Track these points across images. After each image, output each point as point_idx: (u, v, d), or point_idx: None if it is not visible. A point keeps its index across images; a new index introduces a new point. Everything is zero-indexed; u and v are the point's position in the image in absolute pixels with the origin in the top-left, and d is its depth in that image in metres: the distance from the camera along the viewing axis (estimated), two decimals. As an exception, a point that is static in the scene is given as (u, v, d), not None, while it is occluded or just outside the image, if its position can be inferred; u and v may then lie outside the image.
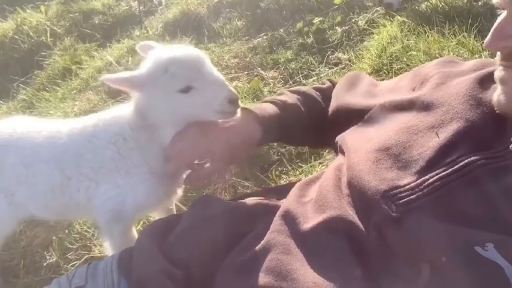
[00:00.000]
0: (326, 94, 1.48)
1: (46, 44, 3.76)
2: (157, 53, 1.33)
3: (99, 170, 1.43)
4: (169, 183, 1.48)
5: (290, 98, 1.46)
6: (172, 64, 1.27)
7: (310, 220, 1.04)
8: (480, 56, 2.03)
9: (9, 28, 3.96)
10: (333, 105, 1.39)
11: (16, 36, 3.84)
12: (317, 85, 1.57)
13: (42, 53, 3.62)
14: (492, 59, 1.13)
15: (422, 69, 1.26)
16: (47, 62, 3.51)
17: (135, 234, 1.57)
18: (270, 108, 1.42)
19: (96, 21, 4.04)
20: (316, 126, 1.44)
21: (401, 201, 0.92)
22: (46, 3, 4.38)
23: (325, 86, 1.53)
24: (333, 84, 1.51)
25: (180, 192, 1.58)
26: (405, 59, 2.29)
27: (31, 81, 3.37)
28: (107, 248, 1.58)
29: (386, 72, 2.33)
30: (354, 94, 1.34)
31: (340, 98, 1.36)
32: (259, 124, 1.37)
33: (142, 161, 1.41)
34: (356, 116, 1.24)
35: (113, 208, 1.46)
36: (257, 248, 1.06)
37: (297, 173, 2.03)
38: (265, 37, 3.22)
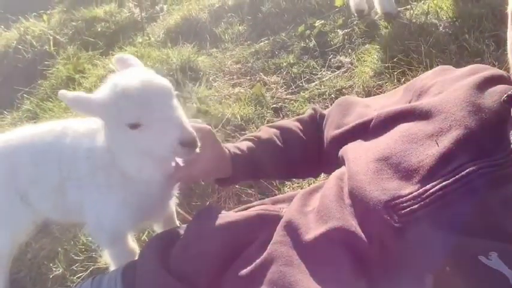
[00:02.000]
0: (307, 124, 1.46)
1: (49, 53, 3.78)
2: (116, 79, 1.23)
3: (81, 179, 1.43)
4: (141, 208, 1.42)
5: (265, 133, 1.44)
6: (122, 97, 1.17)
7: (312, 231, 1.03)
8: (482, 59, 2.02)
9: (13, 38, 3.98)
10: (326, 139, 1.36)
11: (19, 46, 3.86)
12: (299, 116, 1.54)
13: (46, 62, 3.63)
14: (484, 65, 1.12)
15: (416, 82, 1.25)
16: (50, 71, 3.52)
17: (132, 245, 1.58)
18: (244, 146, 1.41)
19: (99, 29, 4.05)
20: (295, 158, 1.42)
21: (403, 212, 0.92)
22: (49, 11, 4.41)
23: (307, 115, 1.49)
24: (316, 112, 1.48)
25: (169, 209, 1.60)
26: (407, 62, 2.28)
27: (35, 91, 3.38)
28: (106, 257, 1.59)
29: (388, 75, 2.32)
30: (347, 124, 1.31)
31: (331, 132, 1.34)
32: (231, 162, 1.35)
33: (107, 183, 1.38)
34: (351, 137, 1.22)
35: (94, 222, 1.48)
36: (260, 259, 1.06)
37: (300, 179, 2.03)
38: (266, 41, 3.22)
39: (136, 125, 1.17)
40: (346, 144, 1.22)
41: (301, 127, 1.45)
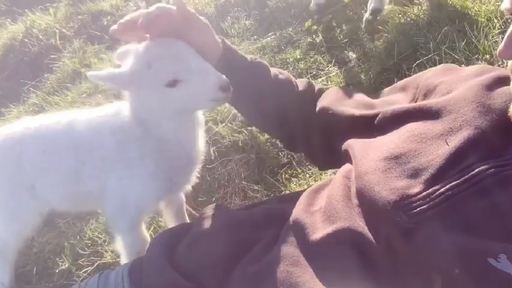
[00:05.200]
0: (305, 86, 1.45)
1: (55, 47, 3.77)
2: (139, 49, 1.28)
3: (105, 160, 1.46)
4: (169, 177, 1.48)
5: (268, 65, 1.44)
6: (155, 59, 1.23)
7: (319, 231, 1.03)
8: (491, 56, 2.01)
9: (19, 31, 3.97)
10: (322, 104, 1.35)
11: (26, 39, 3.86)
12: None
13: (52, 56, 3.63)
14: (490, 66, 1.11)
15: (418, 80, 1.24)
16: (56, 65, 3.52)
17: (146, 235, 1.59)
18: (243, 56, 1.40)
19: (105, 23, 4.04)
20: (281, 105, 1.39)
21: (412, 212, 0.91)
22: (55, 5, 4.40)
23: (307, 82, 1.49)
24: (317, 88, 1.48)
25: (188, 186, 1.60)
26: (415, 59, 2.27)
27: (41, 85, 3.38)
28: (118, 246, 1.60)
29: (396, 72, 2.31)
30: (348, 103, 1.32)
31: (330, 103, 1.34)
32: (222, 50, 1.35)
33: (139, 155, 1.42)
34: (352, 126, 1.23)
35: (117, 204, 1.50)
36: (266, 259, 1.06)
37: (307, 176, 2.03)
38: (273, 36, 3.20)
39: (174, 81, 1.23)
40: (344, 124, 1.25)
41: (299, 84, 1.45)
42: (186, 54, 1.25)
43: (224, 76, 1.24)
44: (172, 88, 1.24)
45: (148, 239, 1.58)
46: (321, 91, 1.45)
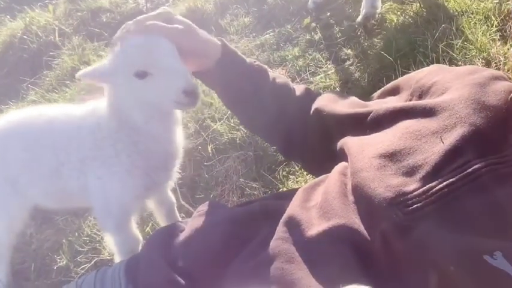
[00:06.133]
0: (302, 91, 1.44)
1: (54, 44, 3.77)
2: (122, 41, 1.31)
3: (84, 160, 1.46)
4: (146, 173, 1.47)
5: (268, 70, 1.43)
6: (129, 48, 1.25)
7: (314, 227, 1.03)
8: (488, 54, 2.00)
9: (18, 28, 3.97)
10: (316, 106, 1.35)
11: (25, 36, 3.85)
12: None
13: (51, 53, 3.63)
14: (481, 67, 1.11)
15: (410, 80, 1.24)
16: (55, 62, 3.52)
17: (136, 232, 1.59)
18: (243, 57, 1.40)
19: (104, 20, 4.03)
20: (278, 108, 1.38)
21: (408, 209, 0.91)
22: (54, 2, 4.40)
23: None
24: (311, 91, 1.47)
25: (171, 183, 1.61)
26: (413, 56, 2.26)
27: (40, 82, 3.38)
28: (110, 245, 1.61)
29: (394, 69, 2.30)
30: (341, 104, 1.32)
31: (324, 104, 1.34)
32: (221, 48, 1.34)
33: (114, 152, 1.42)
34: (346, 124, 1.23)
35: (101, 204, 1.50)
36: (262, 255, 1.06)
37: (304, 173, 2.02)
38: (272, 34, 3.20)
39: (143, 73, 1.23)
40: (338, 123, 1.24)
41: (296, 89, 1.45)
42: (162, 51, 1.24)
43: (193, 82, 1.24)
44: (140, 80, 1.24)
45: (140, 237, 1.58)
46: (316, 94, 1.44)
